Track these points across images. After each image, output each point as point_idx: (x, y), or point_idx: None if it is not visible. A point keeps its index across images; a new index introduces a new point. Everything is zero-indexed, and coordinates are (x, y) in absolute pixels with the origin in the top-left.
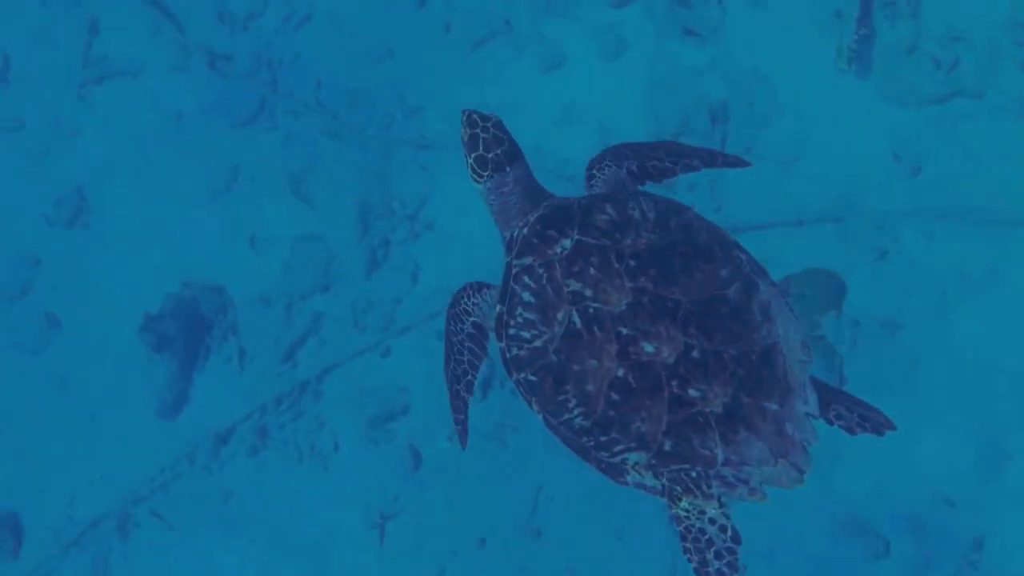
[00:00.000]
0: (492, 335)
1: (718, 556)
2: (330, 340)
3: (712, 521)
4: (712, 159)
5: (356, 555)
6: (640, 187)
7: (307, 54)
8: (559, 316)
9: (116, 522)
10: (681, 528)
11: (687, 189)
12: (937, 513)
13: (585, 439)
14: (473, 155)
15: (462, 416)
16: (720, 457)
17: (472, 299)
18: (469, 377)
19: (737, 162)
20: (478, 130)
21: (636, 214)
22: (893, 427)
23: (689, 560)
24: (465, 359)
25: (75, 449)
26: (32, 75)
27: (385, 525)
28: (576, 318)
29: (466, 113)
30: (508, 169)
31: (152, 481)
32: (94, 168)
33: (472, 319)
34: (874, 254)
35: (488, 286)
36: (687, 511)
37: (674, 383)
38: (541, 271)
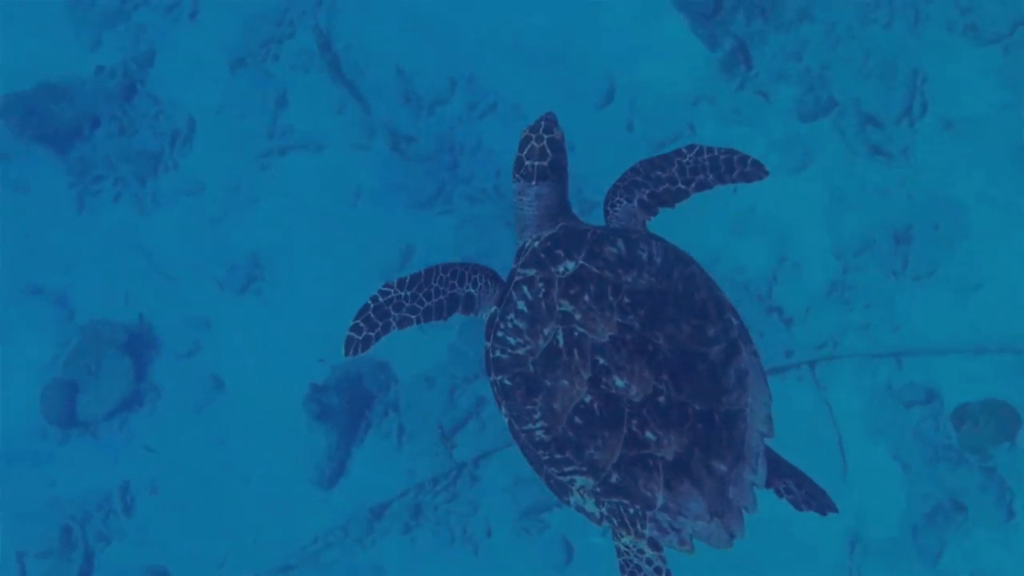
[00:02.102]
0: (471, 321)
1: None
2: (490, 425)
3: (649, 562)
4: (729, 170)
5: None
6: (653, 216)
7: (489, 142)
8: (546, 331)
9: None
10: (620, 560)
11: (864, 306)
12: None
13: (541, 452)
14: (517, 154)
15: (372, 334)
16: (660, 502)
17: (485, 280)
18: (414, 317)
19: (754, 171)
20: (533, 136)
21: (644, 255)
22: (835, 509)
23: None
24: (428, 304)
25: (229, 511)
26: (216, 141)
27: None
28: (560, 337)
29: (545, 116)
30: (534, 183)
31: (304, 550)
32: (270, 237)
33: (471, 290)
34: None
35: (500, 280)
36: (627, 547)
37: (634, 422)
38: (541, 285)
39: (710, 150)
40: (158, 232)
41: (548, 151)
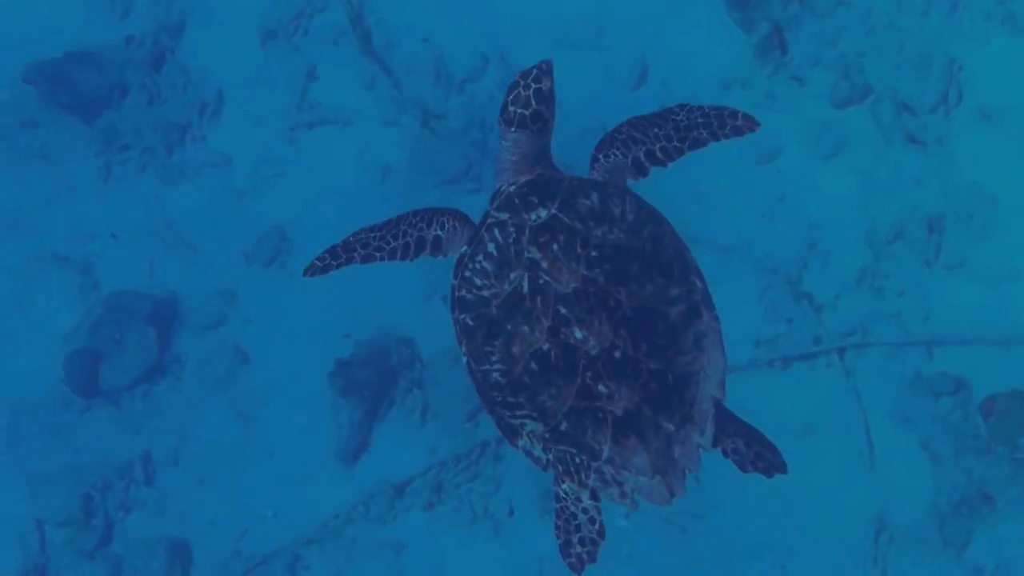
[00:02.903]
0: (438, 261)
1: (581, 543)
2: None
3: (585, 511)
4: (722, 125)
5: None
6: (643, 177)
7: None
8: (512, 276)
9: (286, 561)
10: (558, 507)
11: (895, 294)
12: None
13: (495, 393)
14: (504, 98)
15: (335, 263)
16: (605, 454)
17: (453, 222)
18: (378, 255)
19: (745, 124)
20: (522, 82)
21: (617, 211)
22: (784, 470)
23: (557, 537)
24: (395, 244)
25: (251, 484)
26: (245, 114)
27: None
28: (525, 283)
29: (539, 64)
30: (514, 129)
31: (325, 525)
32: (297, 210)
33: (439, 233)
34: None
35: (470, 223)
36: (566, 493)
37: (588, 374)
38: (512, 230)
39: (700, 108)
40: (184, 203)
41: (532, 101)
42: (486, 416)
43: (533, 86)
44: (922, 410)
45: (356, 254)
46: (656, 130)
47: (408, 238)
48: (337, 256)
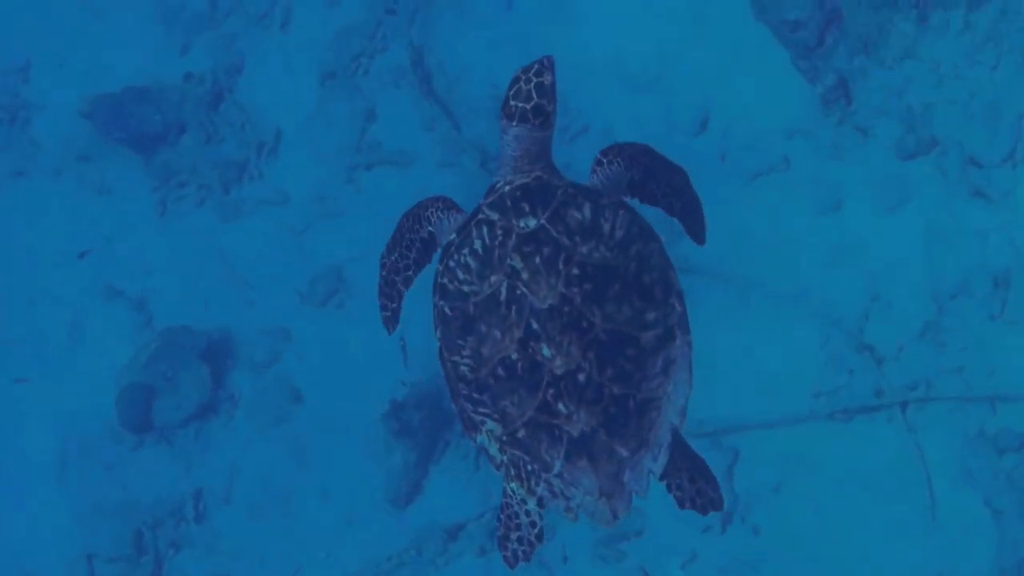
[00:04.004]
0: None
1: (519, 542)
2: None
3: (528, 513)
4: (685, 212)
5: None
6: (629, 199)
7: (578, 165)
8: (492, 279)
9: None
10: (503, 501)
11: (959, 348)
12: None
13: (462, 386)
14: (506, 92)
15: (395, 305)
16: (556, 468)
17: (438, 213)
18: (410, 273)
19: (695, 232)
20: (523, 76)
21: (606, 227)
22: (720, 507)
23: (497, 530)
24: (412, 257)
25: (302, 525)
26: (303, 152)
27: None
28: (504, 290)
29: (541, 59)
30: (515, 124)
31: (377, 567)
32: (353, 251)
33: (430, 228)
34: None
35: (457, 209)
36: (513, 492)
37: (551, 391)
38: (499, 233)
39: (693, 199)
40: (240, 241)
41: (533, 95)
42: None
43: (535, 80)
44: (985, 466)
45: (398, 283)
46: (653, 170)
47: (416, 245)
48: (391, 297)
